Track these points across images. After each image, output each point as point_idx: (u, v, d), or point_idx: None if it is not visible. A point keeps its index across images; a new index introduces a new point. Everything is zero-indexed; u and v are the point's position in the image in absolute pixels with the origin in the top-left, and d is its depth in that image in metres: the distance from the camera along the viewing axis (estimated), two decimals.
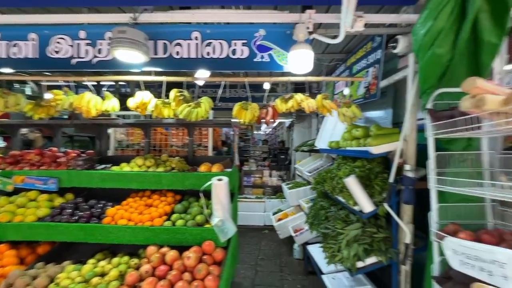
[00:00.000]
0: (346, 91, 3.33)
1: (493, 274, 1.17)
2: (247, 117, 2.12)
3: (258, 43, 2.09)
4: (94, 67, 2.17)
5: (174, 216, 2.17)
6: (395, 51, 2.05)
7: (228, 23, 2.21)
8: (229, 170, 2.37)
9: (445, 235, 1.46)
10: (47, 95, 2.32)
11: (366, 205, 2.13)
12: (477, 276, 1.24)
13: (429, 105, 1.67)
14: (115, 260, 2.00)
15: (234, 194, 2.45)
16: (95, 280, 1.82)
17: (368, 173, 2.33)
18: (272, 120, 2.14)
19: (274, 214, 4.61)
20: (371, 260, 2.12)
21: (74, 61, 2.15)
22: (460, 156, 1.65)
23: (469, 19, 1.44)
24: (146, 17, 2.03)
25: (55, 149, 2.81)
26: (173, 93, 2.18)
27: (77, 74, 2.33)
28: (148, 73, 2.31)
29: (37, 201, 2.39)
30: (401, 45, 1.97)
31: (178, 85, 2.51)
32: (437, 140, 1.64)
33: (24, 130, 4.06)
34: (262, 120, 2.16)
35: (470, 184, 1.43)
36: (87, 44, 2.14)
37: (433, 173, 1.62)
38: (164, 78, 2.20)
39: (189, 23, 2.18)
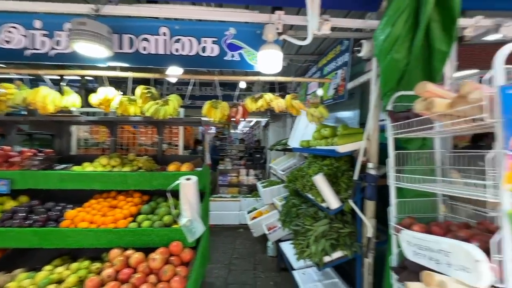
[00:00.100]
0: (320, 92, 3.43)
1: (439, 262, 1.28)
2: (217, 116, 2.11)
3: (228, 41, 2.08)
4: (52, 59, 2.02)
5: (140, 217, 2.09)
6: (359, 54, 2.15)
7: (200, 20, 2.17)
8: (199, 169, 2.34)
9: (402, 228, 1.57)
10: None
11: (332, 201, 2.21)
12: (427, 265, 1.34)
13: (389, 107, 1.77)
14: (74, 265, 1.89)
15: (205, 193, 2.42)
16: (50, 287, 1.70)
17: (336, 171, 2.42)
18: (242, 119, 2.15)
19: (249, 212, 4.63)
20: (337, 254, 2.21)
21: (28, 52, 1.98)
22: (416, 154, 1.77)
23: (422, 28, 1.55)
24: (110, 9, 1.93)
25: (7, 147, 2.58)
26: (139, 89, 2.10)
27: (33, 67, 2.15)
28: (115, 68, 2.20)
29: None
30: (365, 49, 2.08)
31: (147, 82, 2.43)
32: (397, 139, 1.74)
33: None
34: (232, 119, 2.16)
35: (424, 181, 1.55)
36: (44, 35, 1.99)
37: (392, 171, 1.73)
38: (130, 74, 2.11)
39: (157, 18, 2.12)
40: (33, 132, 5.22)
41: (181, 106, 2.36)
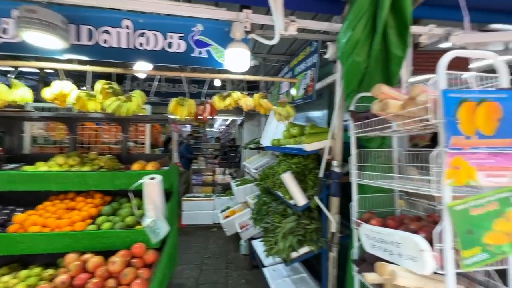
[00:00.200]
0: (293, 92, 3.50)
1: (392, 253, 1.36)
2: (183, 113, 2.05)
3: (195, 38, 2.04)
4: None
5: (100, 219, 1.98)
6: (325, 56, 2.22)
7: (168, 15, 2.10)
8: (166, 168, 2.27)
9: (361, 222, 1.65)
10: None
11: (300, 199, 2.27)
12: (382, 256, 1.43)
13: (351, 107, 1.86)
14: (23, 272, 1.74)
15: (172, 192, 2.36)
16: None
17: (304, 169, 2.49)
18: (210, 117, 2.12)
19: (222, 211, 4.60)
20: (304, 250, 2.27)
21: None
22: (376, 152, 1.87)
23: (379, 32, 1.64)
24: None
25: None
26: (99, 84, 1.97)
27: None
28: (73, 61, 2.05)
29: None
30: (330, 51, 2.15)
31: (109, 77, 2.30)
32: (358, 138, 1.83)
33: None
34: (199, 117, 2.12)
35: (383, 177, 1.64)
36: None
37: (354, 168, 1.81)
38: (89, 68, 1.98)
39: (119, 10, 2.01)
40: None
41: (149, 103, 2.28)
